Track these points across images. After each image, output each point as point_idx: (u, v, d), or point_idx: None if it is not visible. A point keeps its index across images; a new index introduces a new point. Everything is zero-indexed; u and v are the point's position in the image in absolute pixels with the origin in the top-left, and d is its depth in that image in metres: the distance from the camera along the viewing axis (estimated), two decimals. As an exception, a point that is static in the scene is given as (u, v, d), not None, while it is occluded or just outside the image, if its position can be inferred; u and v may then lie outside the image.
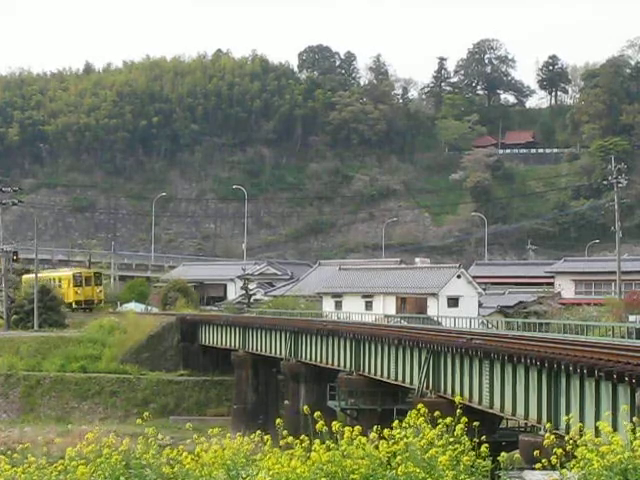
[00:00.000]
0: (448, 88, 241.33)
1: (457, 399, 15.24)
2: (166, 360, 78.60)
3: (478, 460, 11.98)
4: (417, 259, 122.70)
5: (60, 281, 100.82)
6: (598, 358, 26.97)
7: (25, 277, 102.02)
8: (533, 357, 29.94)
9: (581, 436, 11.89)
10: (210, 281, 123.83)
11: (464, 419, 12.88)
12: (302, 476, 11.58)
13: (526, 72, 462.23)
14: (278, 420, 14.15)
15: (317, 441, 12.30)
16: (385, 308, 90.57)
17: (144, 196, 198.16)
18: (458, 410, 13.31)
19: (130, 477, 12.17)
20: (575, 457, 11.38)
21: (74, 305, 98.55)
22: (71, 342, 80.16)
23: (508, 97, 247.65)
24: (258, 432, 13.39)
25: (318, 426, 12.77)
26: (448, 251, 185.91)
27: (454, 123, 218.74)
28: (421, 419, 12.83)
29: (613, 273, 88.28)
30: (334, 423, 12.67)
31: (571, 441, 11.90)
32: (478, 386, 35.76)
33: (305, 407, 16.22)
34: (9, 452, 13.67)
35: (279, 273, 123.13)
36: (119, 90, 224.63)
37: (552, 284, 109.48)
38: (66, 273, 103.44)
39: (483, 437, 12.68)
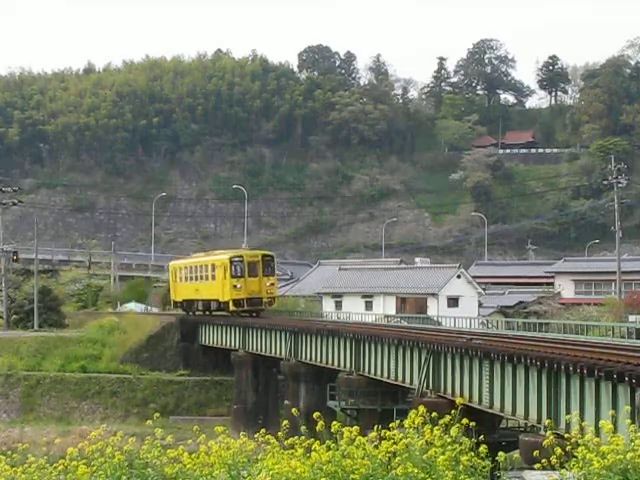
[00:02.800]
0: (448, 88, 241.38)
1: (458, 400, 15.26)
2: (166, 360, 78.57)
3: (477, 460, 11.99)
4: (417, 259, 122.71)
5: (211, 270, 74.23)
6: (598, 358, 26.98)
7: (173, 263, 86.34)
8: (533, 357, 29.94)
9: (581, 436, 11.90)
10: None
11: (464, 420, 12.89)
12: (302, 476, 11.59)
13: (526, 72, 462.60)
14: (285, 422, 14.16)
15: (317, 441, 12.32)
16: (385, 308, 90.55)
17: (144, 196, 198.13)
18: (454, 410, 13.32)
19: (132, 477, 12.18)
20: (575, 457, 11.40)
21: (232, 307, 70.76)
22: (71, 342, 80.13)
23: (508, 97, 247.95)
24: (261, 432, 13.39)
25: (304, 429, 12.80)
26: (448, 251, 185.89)
27: (454, 123, 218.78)
28: (419, 420, 12.85)
29: (613, 273, 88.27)
30: (334, 423, 12.69)
31: (571, 441, 11.92)
32: (478, 386, 35.76)
33: (294, 410, 16.34)
34: (9, 452, 13.67)
35: (279, 273, 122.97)
36: (119, 90, 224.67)
37: (552, 284, 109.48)
38: (219, 258, 73.98)
39: (482, 437, 12.69)
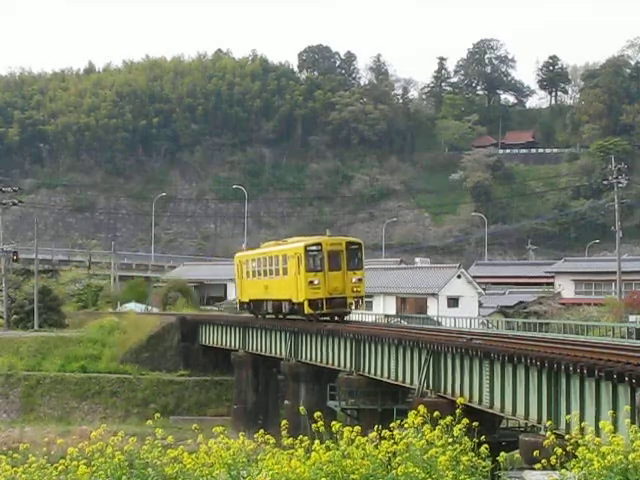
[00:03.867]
0: (448, 88, 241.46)
1: (459, 401, 15.24)
2: (166, 360, 78.56)
3: (478, 460, 12.00)
4: (417, 259, 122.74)
5: (283, 262, 60.89)
6: (598, 358, 26.98)
7: (239, 255, 72.89)
8: (533, 357, 29.94)
9: (582, 436, 11.90)
10: (210, 281, 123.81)
11: (465, 420, 12.89)
12: (302, 476, 11.60)
13: (526, 72, 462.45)
14: (284, 422, 14.14)
15: (317, 441, 12.32)
16: (385, 308, 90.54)
17: (144, 196, 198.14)
18: (457, 410, 13.32)
19: (132, 477, 12.18)
20: (575, 457, 11.40)
21: (307, 310, 56.83)
22: (71, 342, 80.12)
23: (508, 97, 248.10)
24: (261, 432, 13.39)
25: (315, 426, 12.77)
26: (448, 251, 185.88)
27: (454, 123, 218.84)
28: (419, 419, 12.85)
29: (613, 273, 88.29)
30: (334, 423, 12.68)
31: (571, 441, 11.92)
32: (478, 386, 35.76)
33: (301, 408, 16.28)
34: (9, 452, 13.68)
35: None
36: (119, 90, 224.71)
37: (552, 284, 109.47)
38: (292, 247, 60.57)
39: (483, 437, 12.69)
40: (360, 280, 57.65)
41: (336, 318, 57.79)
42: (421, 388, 41.29)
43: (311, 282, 56.43)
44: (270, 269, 63.27)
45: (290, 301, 59.58)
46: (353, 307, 58.31)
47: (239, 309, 74.08)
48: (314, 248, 57.60)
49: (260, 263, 65.59)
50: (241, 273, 69.84)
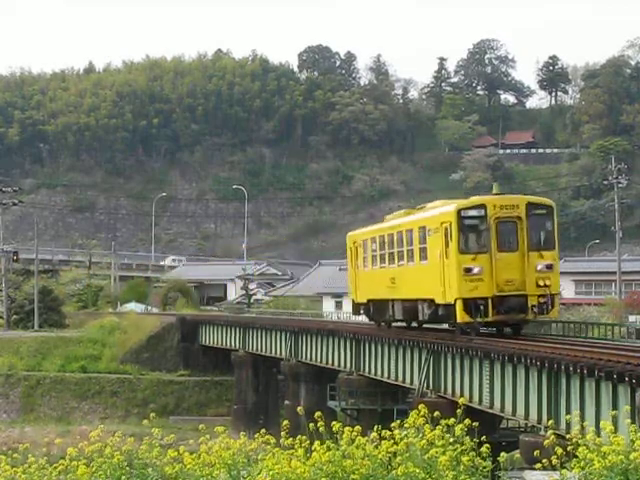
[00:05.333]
0: (448, 88, 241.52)
1: (460, 401, 15.22)
2: (166, 360, 78.55)
3: (479, 460, 11.99)
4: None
5: (418, 240, 40.02)
6: (598, 358, 26.96)
7: (353, 234, 50.04)
8: (533, 357, 29.91)
9: (582, 436, 11.89)
10: (210, 281, 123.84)
11: (467, 421, 12.87)
12: (302, 476, 11.58)
13: (526, 72, 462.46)
14: (285, 422, 14.11)
15: (317, 441, 12.31)
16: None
17: (144, 196, 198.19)
18: (458, 410, 13.31)
19: (132, 477, 12.17)
20: (576, 457, 11.39)
21: (461, 317, 35.60)
22: (71, 342, 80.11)
23: (508, 97, 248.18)
24: (261, 432, 13.39)
25: (312, 426, 12.74)
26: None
27: (454, 123, 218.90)
28: (421, 419, 12.83)
29: (613, 273, 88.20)
30: (334, 423, 12.67)
31: (572, 441, 11.90)
32: (478, 386, 35.73)
33: (299, 408, 16.27)
34: (9, 452, 13.67)
35: (279, 273, 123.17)
36: (119, 90, 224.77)
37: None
38: (436, 214, 38.86)
39: (483, 437, 12.67)
40: (550, 267, 35.87)
41: (509, 330, 37.51)
42: (421, 388, 41.24)
43: (468, 270, 35.28)
44: (398, 253, 41.82)
45: (432, 302, 38.11)
46: (536, 312, 35.70)
47: (353, 312, 52.78)
48: (473, 214, 35.97)
49: (383, 244, 43.83)
50: (355, 262, 48.62)
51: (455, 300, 35.71)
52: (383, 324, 47.32)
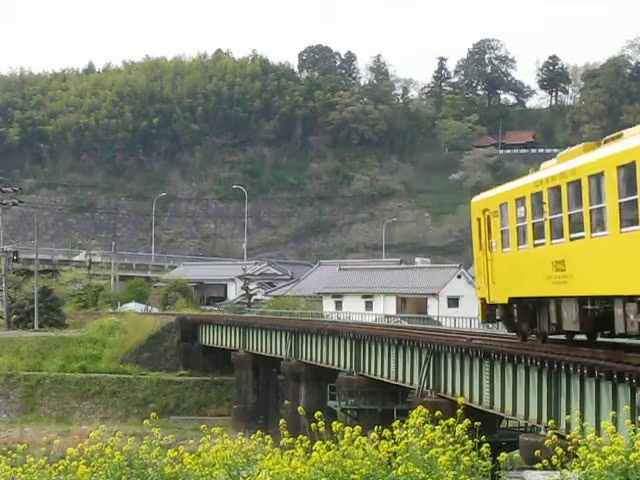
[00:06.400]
0: (448, 88, 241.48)
1: (460, 400, 15.20)
2: (166, 360, 78.58)
3: (479, 460, 11.98)
4: (417, 259, 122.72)
5: (612, 190, 22.36)
6: (598, 358, 26.96)
7: (482, 199, 33.74)
8: (533, 357, 29.90)
9: (582, 436, 11.88)
10: (210, 281, 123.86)
11: (467, 421, 12.85)
12: (302, 476, 11.58)
13: (526, 72, 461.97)
14: (282, 421, 14.08)
15: (317, 441, 12.30)
16: (385, 308, 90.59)
17: (144, 196, 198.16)
18: (459, 410, 13.30)
19: (132, 477, 12.16)
20: (576, 457, 11.39)
21: None
22: (71, 342, 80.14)
23: (508, 97, 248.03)
24: (259, 432, 13.38)
25: (314, 425, 12.72)
26: (448, 251, 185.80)
27: (454, 123, 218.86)
28: (420, 419, 12.81)
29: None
30: (334, 423, 12.67)
31: (572, 441, 11.90)
32: (478, 386, 35.75)
33: (299, 408, 16.25)
34: (9, 452, 13.65)
35: (279, 273, 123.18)
36: (119, 90, 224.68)
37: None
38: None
39: (483, 437, 12.66)
40: None
41: None
42: (421, 388, 41.29)
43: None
44: (573, 218, 25.58)
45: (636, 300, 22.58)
46: None
47: (482, 319, 35.42)
48: None
49: (543, 206, 27.59)
50: (487, 239, 33.73)
51: None
52: (534, 337, 30.96)
